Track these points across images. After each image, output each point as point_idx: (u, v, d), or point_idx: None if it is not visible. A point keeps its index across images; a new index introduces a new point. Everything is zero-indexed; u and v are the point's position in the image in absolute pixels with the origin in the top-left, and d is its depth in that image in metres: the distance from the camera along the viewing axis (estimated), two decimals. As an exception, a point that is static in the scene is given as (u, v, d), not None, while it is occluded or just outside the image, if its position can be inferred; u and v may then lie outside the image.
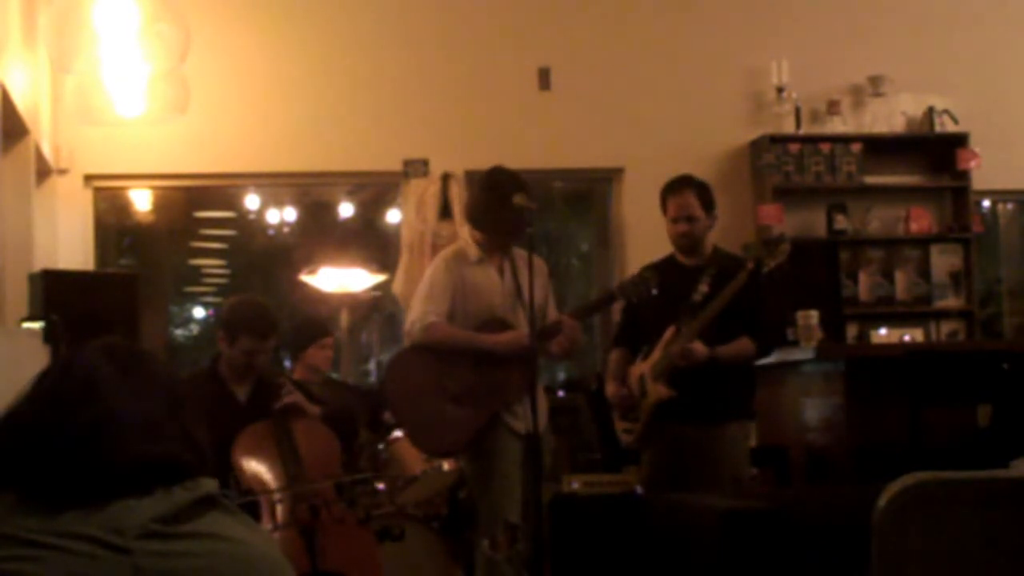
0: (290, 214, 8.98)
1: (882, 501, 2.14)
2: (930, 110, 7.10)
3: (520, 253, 4.28)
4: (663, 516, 3.86)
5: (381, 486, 4.92)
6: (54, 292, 4.47)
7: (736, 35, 7.07)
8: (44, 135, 6.01)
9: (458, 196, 6.41)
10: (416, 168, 6.72)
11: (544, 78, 6.89)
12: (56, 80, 6.14)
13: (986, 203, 7.80)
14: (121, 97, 5.70)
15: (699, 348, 4.35)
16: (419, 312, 4.32)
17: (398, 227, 7.02)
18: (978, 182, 7.10)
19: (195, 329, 11.35)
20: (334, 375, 6.77)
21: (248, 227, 9.64)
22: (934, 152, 7.18)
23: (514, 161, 4.63)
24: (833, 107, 7.04)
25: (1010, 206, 8.10)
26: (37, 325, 4.16)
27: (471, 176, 6.29)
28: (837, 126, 7.06)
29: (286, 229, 9.27)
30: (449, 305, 4.32)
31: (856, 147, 6.99)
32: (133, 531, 1.35)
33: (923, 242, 7.08)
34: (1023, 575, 2.19)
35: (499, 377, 4.23)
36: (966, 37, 7.26)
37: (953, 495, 2.19)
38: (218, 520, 1.42)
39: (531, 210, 4.07)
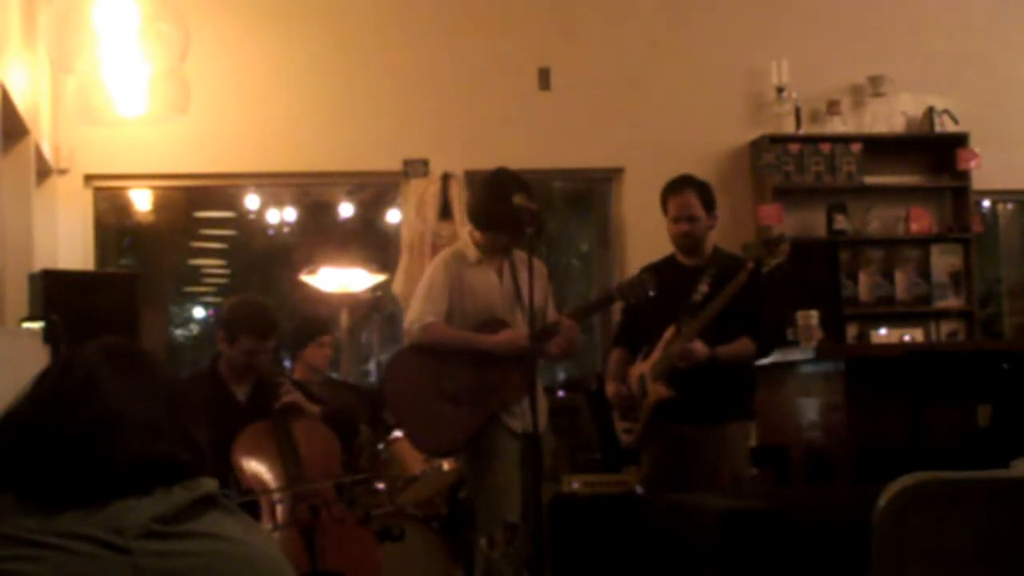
0: (290, 214, 8.97)
1: (882, 501, 2.14)
2: (930, 110, 7.10)
3: (520, 255, 4.28)
4: (663, 516, 3.86)
5: (381, 486, 4.92)
6: (54, 292, 4.47)
7: (736, 35, 7.07)
8: (44, 135, 6.01)
9: (458, 196, 6.41)
10: (416, 168, 6.72)
11: (544, 78, 6.89)
12: (56, 80, 6.14)
13: (986, 203, 7.80)
14: (121, 97, 5.70)
15: (699, 348, 4.35)
16: (417, 312, 4.33)
17: (398, 227, 7.02)
18: (978, 182, 7.10)
19: (195, 329, 11.35)
20: (334, 375, 6.77)
21: (248, 227, 9.63)
22: (934, 152, 7.18)
23: (514, 161, 4.63)
24: (833, 107, 7.04)
25: (1010, 206, 8.10)
26: (37, 325, 4.15)
27: (471, 176, 6.29)
28: (837, 126, 7.06)
29: (286, 229, 9.27)
30: (447, 305, 4.32)
31: (856, 147, 6.99)
32: (133, 531, 1.35)
33: (923, 242, 7.08)
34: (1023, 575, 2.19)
35: (497, 377, 4.23)
36: (966, 37, 7.26)
37: (953, 495, 2.19)
38: (218, 520, 1.42)
39: (533, 211, 4.06)
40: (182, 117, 5.96)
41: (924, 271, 7.06)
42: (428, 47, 6.83)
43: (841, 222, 6.98)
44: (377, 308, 6.87)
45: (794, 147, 6.93)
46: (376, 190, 8.11)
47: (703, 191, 4.59)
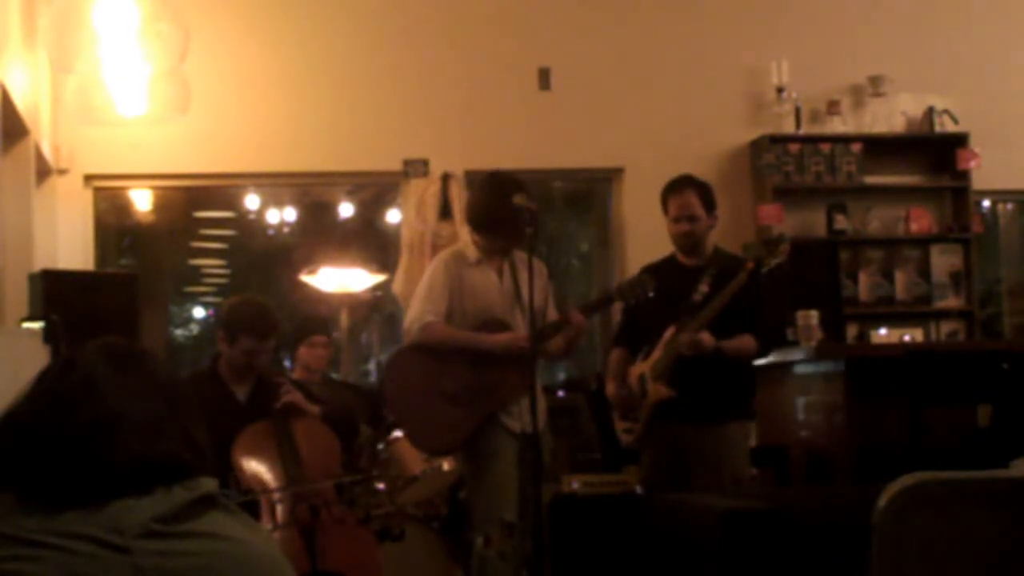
0: (290, 214, 8.97)
1: (882, 501, 2.14)
2: (930, 110, 7.10)
3: (521, 256, 4.28)
4: (663, 516, 3.86)
5: (381, 486, 4.92)
6: (54, 292, 4.47)
7: (736, 35, 7.07)
8: (44, 135, 6.02)
9: (458, 196, 6.42)
10: (416, 168, 6.72)
11: (544, 78, 6.89)
12: (56, 80, 6.14)
13: (986, 203, 7.80)
14: (121, 97, 5.70)
15: (707, 338, 4.35)
16: (417, 312, 4.33)
17: (398, 227, 7.02)
18: (978, 182, 7.10)
19: (195, 329, 11.35)
20: (334, 375, 6.76)
21: (248, 227, 9.64)
22: (934, 152, 7.18)
23: (514, 161, 4.65)
24: (833, 107, 7.04)
25: (1010, 206, 8.10)
26: (37, 325, 4.16)
27: (471, 176, 6.29)
28: (837, 126, 7.06)
29: (286, 229, 9.27)
30: (447, 305, 4.32)
31: (856, 147, 6.99)
32: (133, 531, 1.35)
33: (923, 242, 7.08)
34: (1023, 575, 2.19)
35: (495, 377, 4.24)
36: (966, 37, 7.26)
37: (953, 495, 2.19)
38: (218, 519, 1.42)
39: (532, 211, 4.07)
40: (182, 117, 5.96)
41: (924, 271, 7.06)
42: (428, 47, 6.83)
43: (841, 222, 6.99)
44: (377, 308, 6.87)
45: (794, 147, 6.93)
46: (376, 190, 8.11)
47: (703, 191, 4.59)
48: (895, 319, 6.97)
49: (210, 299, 11.03)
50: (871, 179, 7.05)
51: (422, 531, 4.71)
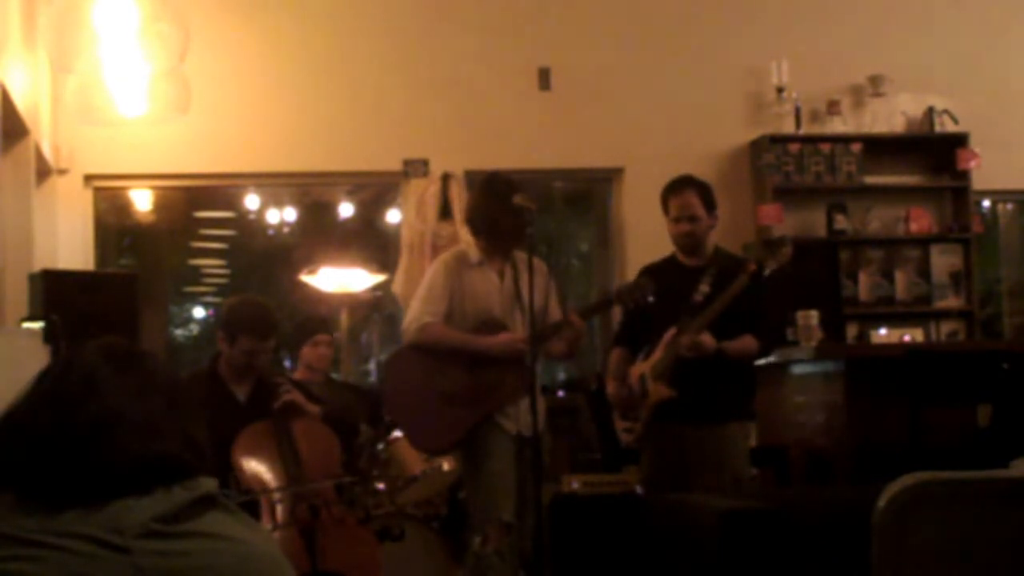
0: (290, 214, 8.97)
1: (882, 501, 2.14)
2: (930, 110, 7.10)
3: (522, 257, 4.28)
4: (663, 516, 3.86)
5: (381, 486, 4.92)
6: (54, 292, 4.47)
7: (736, 35, 7.07)
8: (44, 135, 6.02)
9: (458, 196, 6.42)
10: (416, 168, 6.72)
11: (544, 78, 6.89)
12: (56, 80, 6.14)
13: (986, 203, 7.80)
14: (122, 97, 5.70)
15: (708, 340, 4.35)
16: (416, 312, 4.34)
17: (398, 227, 7.02)
18: (978, 182, 7.10)
19: (195, 329, 11.34)
20: (334, 375, 6.76)
21: (248, 227, 9.63)
22: (934, 152, 7.18)
23: (514, 161, 4.65)
24: (833, 107, 7.04)
25: (1010, 206, 8.10)
26: (37, 325, 4.16)
27: (471, 176, 6.30)
28: (837, 126, 7.06)
29: (286, 229, 9.26)
30: (447, 306, 4.32)
31: (856, 147, 6.99)
32: (133, 530, 1.35)
33: (923, 242, 7.09)
34: (1023, 575, 2.19)
35: (493, 378, 4.24)
36: (966, 37, 7.26)
37: (953, 495, 2.19)
38: (218, 519, 1.42)
39: (531, 210, 4.07)
40: (182, 117, 5.96)
41: (924, 271, 7.06)
42: (428, 47, 6.83)
43: (841, 222, 6.99)
44: (377, 308, 6.86)
45: (794, 147, 6.93)
46: (376, 190, 8.11)
47: (704, 191, 4.59)
48: (895, 319, 6.97)
49: (210, 299, 11.03)
50: (871, 179, 7.05)
51: (422, 531, 4.71)
